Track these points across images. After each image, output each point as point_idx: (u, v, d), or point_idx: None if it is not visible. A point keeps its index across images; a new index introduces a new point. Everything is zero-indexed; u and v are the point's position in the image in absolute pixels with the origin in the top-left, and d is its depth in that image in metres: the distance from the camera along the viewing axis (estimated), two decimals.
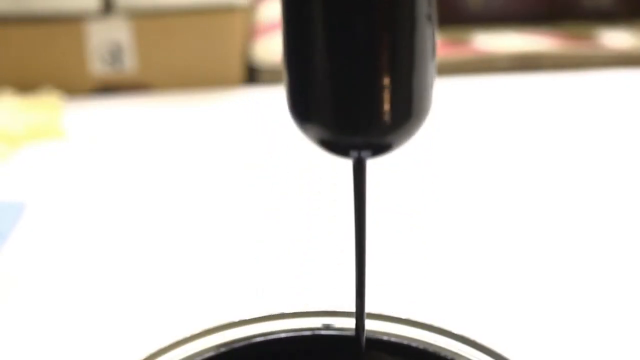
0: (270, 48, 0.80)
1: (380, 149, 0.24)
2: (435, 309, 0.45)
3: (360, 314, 0.27)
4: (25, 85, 0.75)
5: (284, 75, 0.24)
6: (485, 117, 0.70)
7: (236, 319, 0.30)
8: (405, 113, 0.23)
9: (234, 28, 0.75)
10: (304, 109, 0.24)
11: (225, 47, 0.76)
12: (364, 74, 0.22)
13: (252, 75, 0.78)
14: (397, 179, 0.58)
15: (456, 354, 0.28)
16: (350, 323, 0.30)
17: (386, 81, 0.22)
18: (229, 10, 0.75)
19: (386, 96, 0.23)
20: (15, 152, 0.66)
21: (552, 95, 0.74)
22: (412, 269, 0.49)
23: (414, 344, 0.29)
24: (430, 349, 0.29)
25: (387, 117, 0.23)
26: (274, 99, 0.74)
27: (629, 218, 0.54)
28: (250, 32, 0.83)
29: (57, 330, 0.45)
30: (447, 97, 0.71)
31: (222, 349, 0.29)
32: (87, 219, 0.57)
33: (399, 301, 0.46)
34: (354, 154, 0.24)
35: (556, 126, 0.68)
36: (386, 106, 0.23)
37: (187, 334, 0.29)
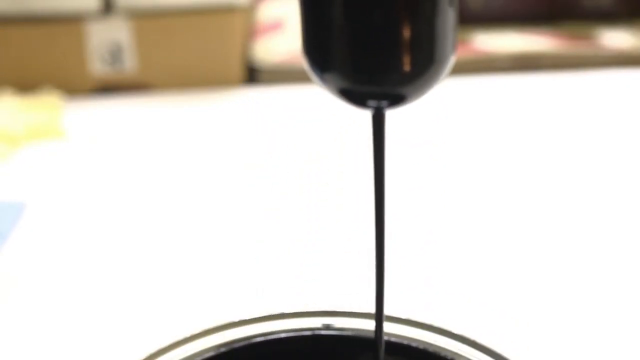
0: (270, 48, 0.80)
1: (399, 98, 0.23)
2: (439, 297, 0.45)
3: (379, 317, 0.27)
4: (25, 85, 0.75)
5: (301, 25, 0.23)
6: (485, 117, 0.70)
7: (236, 319, 0.30)
8: (426, 59, 0.23)
9: (234, 28, 0.75)
10: (322, 58, 0.23)
11: (225, 47, 0.76)
12: (383, 19, 0.22)
13: (252, 75, 0.78)
14: (395, 196, 0.58)
15: (456, 354, 0.28)
16: (350, 323, 0.30)
17: (406, 26, 0.22)
18: (229, 10, 0.75)
19: (406, 41, 0.22)
20: (15, 152, 0.66)
21: (552, 95, 0.74)
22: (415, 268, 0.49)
23: (414, 344, 0.29)
24: (430, 349, 0.29)
25: (407, 64, 0.22)
26: (274, 99, 0.74)
27: (629, 218, 0.54)
28: (250, 32, 0.83)
29: (57, 330, 0.45)
30: (447, 97, 0.71)
31: (222, 349, 0.29)
32: (87, 219, 0.57)
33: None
34: (373, 103, 0.24)
35: (556, 126, 0.68)
36: (406, 52, 0.22)
37: (187, 334, 0.29)
